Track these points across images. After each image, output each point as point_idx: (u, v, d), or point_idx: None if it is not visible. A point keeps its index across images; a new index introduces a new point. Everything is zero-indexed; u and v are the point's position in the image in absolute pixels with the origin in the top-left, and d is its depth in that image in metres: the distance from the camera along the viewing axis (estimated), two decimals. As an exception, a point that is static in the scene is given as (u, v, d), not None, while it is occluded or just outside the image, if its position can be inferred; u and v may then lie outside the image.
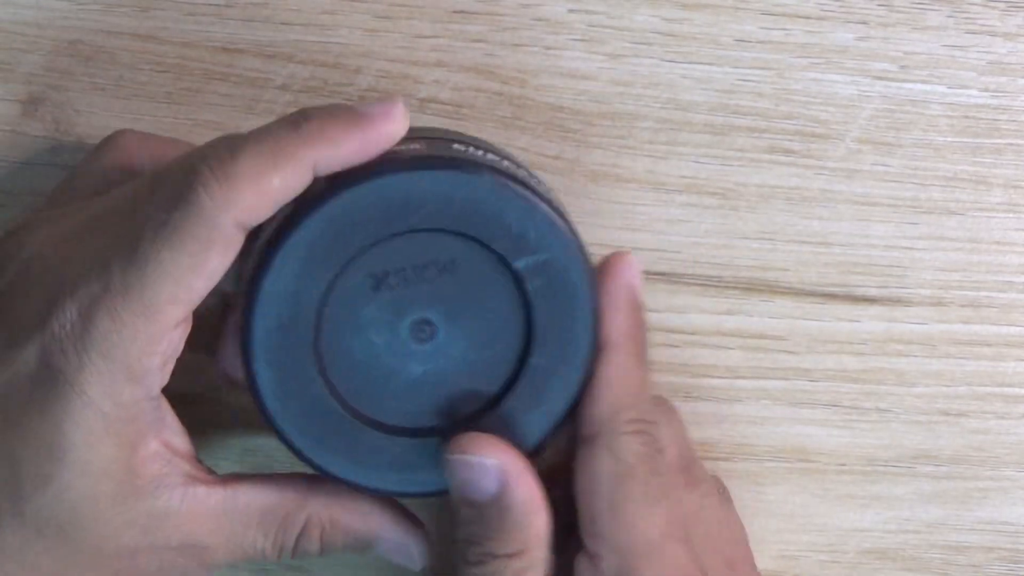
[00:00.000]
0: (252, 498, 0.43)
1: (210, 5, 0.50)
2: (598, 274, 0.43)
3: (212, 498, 0.42)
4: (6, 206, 0.50)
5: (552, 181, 0.51)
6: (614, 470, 0.42)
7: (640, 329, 0.44)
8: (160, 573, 0.42)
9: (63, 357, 0.39)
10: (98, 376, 0.39)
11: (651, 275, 0.52)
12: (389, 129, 0.41)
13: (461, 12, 0.51)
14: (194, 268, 0.39)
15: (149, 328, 0.39)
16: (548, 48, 0.51)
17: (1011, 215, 0.52)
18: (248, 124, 0.50)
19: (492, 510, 0.41)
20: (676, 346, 0.52)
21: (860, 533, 0.53)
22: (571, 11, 0.51)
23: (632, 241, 0.52)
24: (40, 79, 0.50)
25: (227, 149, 0.39)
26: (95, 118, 0.50)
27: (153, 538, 0.41)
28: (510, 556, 0.41)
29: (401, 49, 0.51)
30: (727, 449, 0.53)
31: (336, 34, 0.50)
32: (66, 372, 0.39)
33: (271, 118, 0.50)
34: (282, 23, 0.50)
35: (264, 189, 0.39)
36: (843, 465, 0.53)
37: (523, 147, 0.51)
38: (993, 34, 0.51)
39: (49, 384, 0.39)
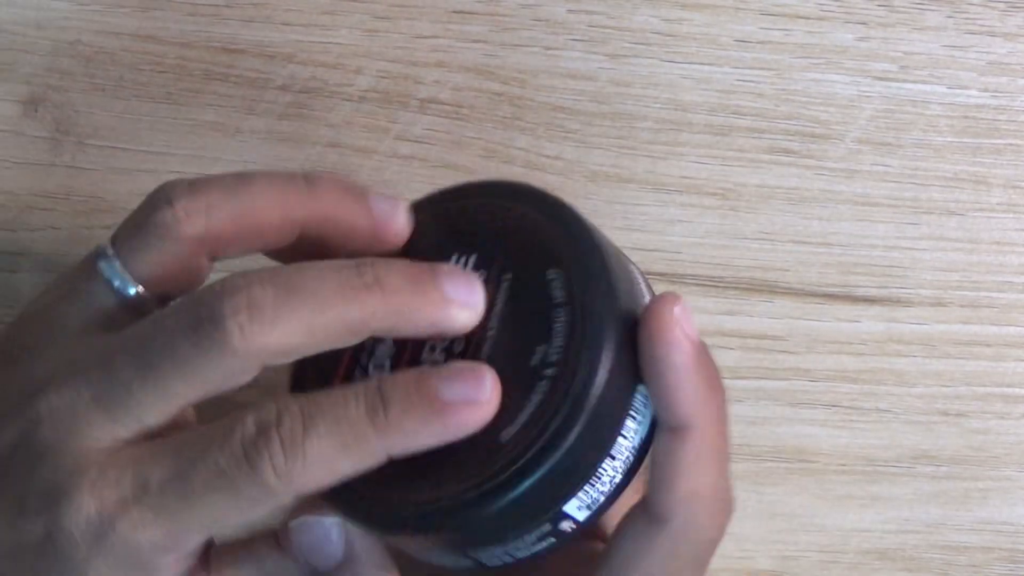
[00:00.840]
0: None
1: (210, 5, 0.50)
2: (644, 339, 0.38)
3: None
4: (6, 206, 0.50)
5: (552, 181, 0.51)
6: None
7: (718, 401, 0.38)
8: None
9: (72, 546, 0.37)
10: (107, 570, 0.37)
11: (651, 275, 0.52)
12: (470, 422, 0.37)
13: (461, 12, 0.51)
14: (235, 516, 0.37)
15: (170, 544, 0.37)
16: (548, 48, 0.51)
17: (1011, 215, 0.52)
18: (248, 124, 0.50)
19: None
20: (676, 346, 0.52)
21: (860, 533, 0.53)
22: (571, 11, 0.51)
23: (632, 241, 0.52)
24: (40, 79, 0.50)
25: (301, 421, 0.37)
26: (95, 118, 0.50)
27: None
28: None
29: (401, 49, 0.51)
30: (727, 449, 0.53)
31: (336, 34, 0.50)
32: (74, 560, 0.37)
33: (271, 118, 0.50)
34: (282, 23, 0.50)
35: (332, 472, 0.37)
36: (843, 465, 0.53)
37: (523, 147, 0.51)
38: (993, 34, 0.51)
39: (52, 559, 0.37)
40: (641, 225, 0.52)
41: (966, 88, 0.52)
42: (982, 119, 0.52)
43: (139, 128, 0.50)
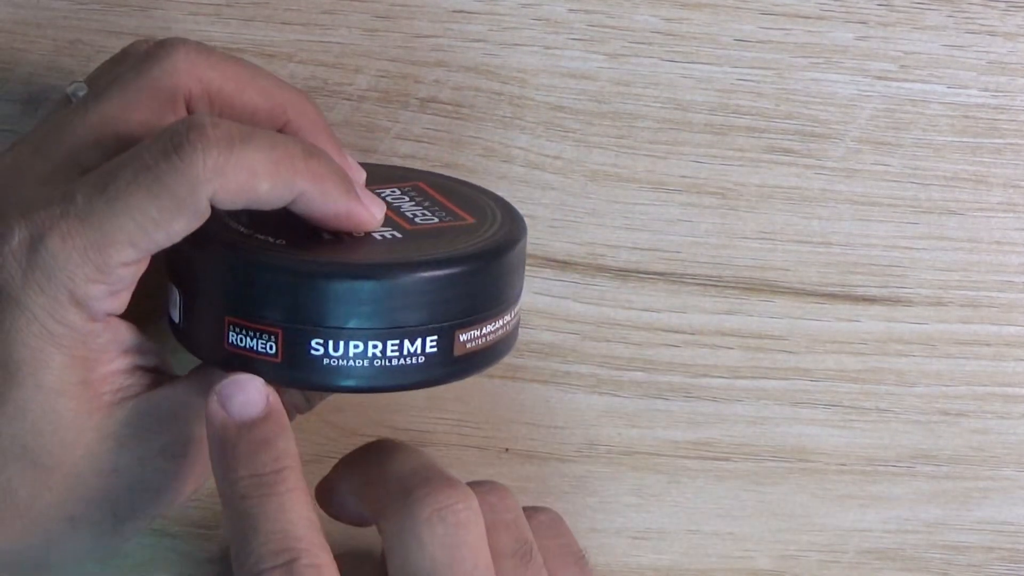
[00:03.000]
0: (215, 376, 0.43)
1: (210, 5, 0.50)
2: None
3: (178, 389, 0.42)
4: (6, 206, 0.50)
5: (552, 180, 0.51)
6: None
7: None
8: (152, 483, 0.42)
9: (8, 274, 0.40)
10: (41, 295, 0.40)
11: (651, 275, 0.52)
12: (365, 222, 0.42)
13: (461, 12, 0.51)
14: (159, 222, 0.39)
15: (97, 259, 0.39)
16: (548, 48, 0.51)
17: (1011, 215, 0.52)
18: (248, 124, 0.50)
19: (256, 430, 0.41)
20: (676, 346, 0.52)
21: (860, 533, 0.53)
22: (571, 11, 0.51)
23: (632, 241, 0.52)
24: (40, 79, 0.50)
25: (241, 132, 0.40)
26: (95, 118, 0.50)
27: (133, 449, 0.42)
28: (280, 471, 0.41)
29: (401, 49, 0.51)
30: (727, 449, 0.53)
31: (336, 34, 0.51)
32: (10, 289, 0.40)
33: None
34: (282, 23, 0.50)
35: (252, 187, 0.39)
36: (843, 465, 0.53)
37: (523, 146, 0.51)
38: (993, 34, 0.51)
39: None
40: (641, 225, 0.52)
41: (966, 88, 0.52)
42: (982, 119, 0.52)
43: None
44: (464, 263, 0.42)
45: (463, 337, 0.42)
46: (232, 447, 0.40)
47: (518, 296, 0.44)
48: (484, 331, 0.42)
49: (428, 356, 0.41)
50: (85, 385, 0.41)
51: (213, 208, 0.40)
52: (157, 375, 0.43)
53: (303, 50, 0.50)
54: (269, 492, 0.40)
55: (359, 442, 0.51)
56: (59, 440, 0.41)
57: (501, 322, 0.43)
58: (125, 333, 0.42)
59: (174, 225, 0.39)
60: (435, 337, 0.41)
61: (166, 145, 0.39)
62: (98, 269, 0.40)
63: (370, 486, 0.43)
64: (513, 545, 0.42)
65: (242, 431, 0.40)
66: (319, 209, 0.41)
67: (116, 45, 0.50)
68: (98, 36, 0.50)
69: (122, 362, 0.42)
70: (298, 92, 0.45)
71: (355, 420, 0.52)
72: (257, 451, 0.40)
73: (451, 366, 0.42)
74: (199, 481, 0.44)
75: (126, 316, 0.42)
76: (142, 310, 0.43)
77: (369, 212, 0.42)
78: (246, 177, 0.39)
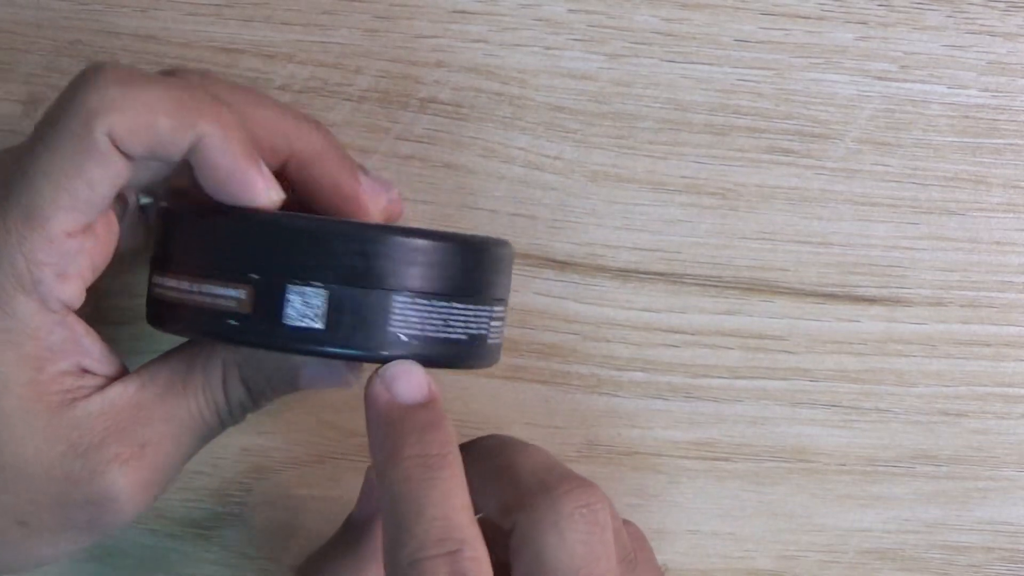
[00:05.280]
0: (167, 372, 0.42)
1: (210, 5, 0.50)
2: None
3: (129, 390, 0.42)
4: (6, 206, 0.50)
5: (552, 181, 0.51)
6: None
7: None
8: (105, 487, 0.41)
9: None
10: None
11: (651, 275, 0.52)
12: (257, 191, 0.41)
13: (461, 12, 0.51)
14: (71, 171, 0.39)
15: (33, 234, 0.39)
16: (548, 48, 0.51)
17: (1011, 215, 0.52)
18: (248, 124, 0.50)
19: (421, 412, 0.40)
20: (676, 346, 0.52)
21: (860, 533, 0.53)
22: (571, 11, 0.51)
23: (632, 241, 0.52)
24: (40, 79, 0.50)
25: (145, 73, 0.39)
26: (95, 118, 0.50)
27: (83, 453, 0.41)
28: (446, 455, 0.40)
29: (401, 49, 0.51)
30: (727, 449, 0.53)
31: (336, 34, 0.50)
32: None
33: (271, 118, 0.50)
34: (282, 23, 0.50)
35: (150, 123, 0.39)
36: (843, 465, 0.53)
37: (523, 147, 0.51)
38: (993, 34, 0.51)
39: None
40: (641, 225, 0.52)
41: (966, 88, 0.52)
42: (982, 119, 0.52)
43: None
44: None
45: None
46: (398, 428, 0.40)
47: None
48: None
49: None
50: (33, 385, 0.40)
51: (133, 159, 0.39)
52: (108, 379, 0.42)
53: (303, 50, 0.50)
54: (434, 476, 0.39)
55: (360, 442, 0.51)
56: (7, 438, 0.40)
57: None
58: (81, 334, 0.41)
59: (87, 171, 0.39)
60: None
61: (66, 91, 0.39)
62: (38, 245, 0.39)
63: (498, 480, 0.42)
64: (622, 552, 0.42)
65: (408, 413, 0.40)
66: (219, 162, 0.40)
67: (116, 45, 0.50)
68: (98, 36, 0.50)
69: (73, 363, 0.41)
70: (302, 119, 0.45)
71: (356, 420, 0.52)
72: (424, 432, 0.40)
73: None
74: (158, 486, 0.43)
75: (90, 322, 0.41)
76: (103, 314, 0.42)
77: (264, 183, 0.40)
78: (142, 112, 0.39)
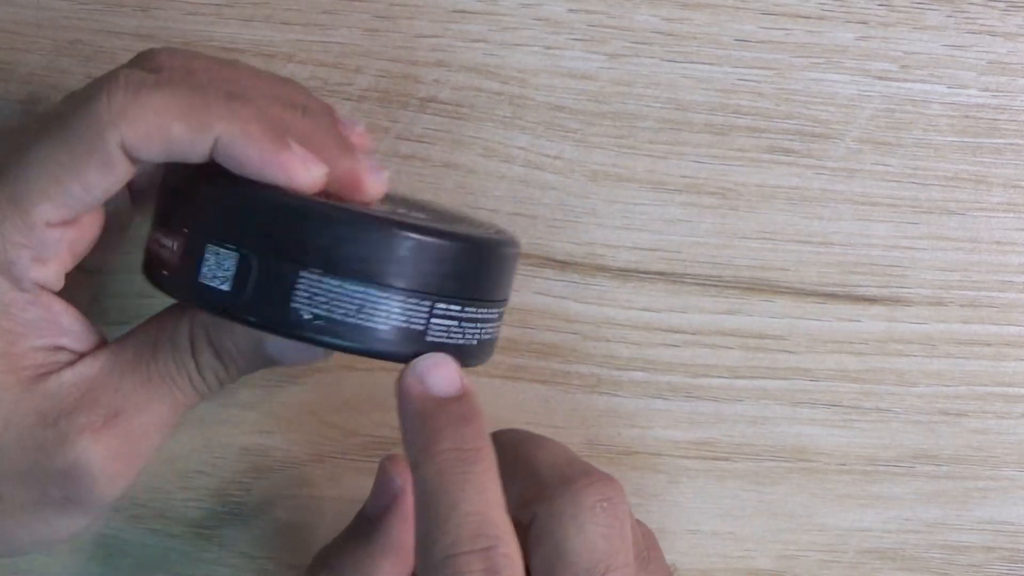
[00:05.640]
0: (138, 340, 0.42)
1: (210, 5, 0.50)
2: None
3: (100, 360, 0.42)
4: (6, 206, 0.50)
5: (552, 181, 0.51)
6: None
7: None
8: (82, 463, 0.41)
9: None
10: None
11: (651, 275, 0.52)
12: (297, 174, 0.40)
13: (461, 12, 0.51)
14: (71, 171, 0.39)
15: (15, 218, 0.39)
16: (548, 48, 0.51)
17: (1011, 215, 0.52)
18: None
19: (455, 405, 0.40)
20: (676, 346, 0.52)
21: (860, 533, 0.53)
22: (571, 11, 0.51)
23: (632, 241, 0.52)
24: (40, 79, 0.50)
25: (155, 78, 0.39)
26: (95, 118, 0.50)
27: (55, 425, 0.41)
28: (480, 449, 0.40)
29: (401, 49, 0.51)
30: (727, 449, 0.53)
31: (336, 34, 0.50)
32: None
33: (271, 118, 0.50)
34: (282, 23, 0.50)
35: (163, 130, 0.39)
36: (843, 465, 0.53)
37: (523, 146, 0.51)
38: (993, 34, 0.51)
39: None
40: (641, 225, 0.52)
41: (966, 88, 0.52)
42: (982, 119, 0.52)
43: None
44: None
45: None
46: (433, 421, 0.39)
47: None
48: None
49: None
50: (4, 357, 0.40)
51: (139, 160, 0.39)
52: (74, 355, 0.42)
53: (303, 50, 0.50)
54: (469, 470, 0.39)
55: (360, 442, 0.51)
56: None
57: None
58: (59, 313, 0.41)
59: (87, 175, 0.39)
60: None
61: (78, 94, 0.39)
62: (16, 228, 0.39)
63: (516, 474, 0.41)
64: (637, 548, 0.42)
65: (442, 406, 0.40)
66: (244, 156, 0.39)
67: (116, 45, 0.50)
68: (98, 36, 0.50)
69: (49, 341, 0.41)
70: (280, 83, 0.44)
71: (356, 420, 0.52)
72: (459, 426, 0.39)
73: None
74: (134, 459, 0.42)
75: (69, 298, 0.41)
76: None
77: (303, 164, 0.40)
78: (155, 119, 0.38)
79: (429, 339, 0.41)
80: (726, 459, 0.53)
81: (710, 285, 0.52)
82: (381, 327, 0.40)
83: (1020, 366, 0.53)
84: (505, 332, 0.51)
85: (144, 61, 0.42)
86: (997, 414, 0.53)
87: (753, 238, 0.52)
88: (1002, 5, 0.51)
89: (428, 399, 0.40)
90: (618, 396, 0.52)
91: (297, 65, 0.50)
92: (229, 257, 0.39)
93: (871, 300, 0.52)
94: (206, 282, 0.39)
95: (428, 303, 0.40)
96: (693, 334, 0.52)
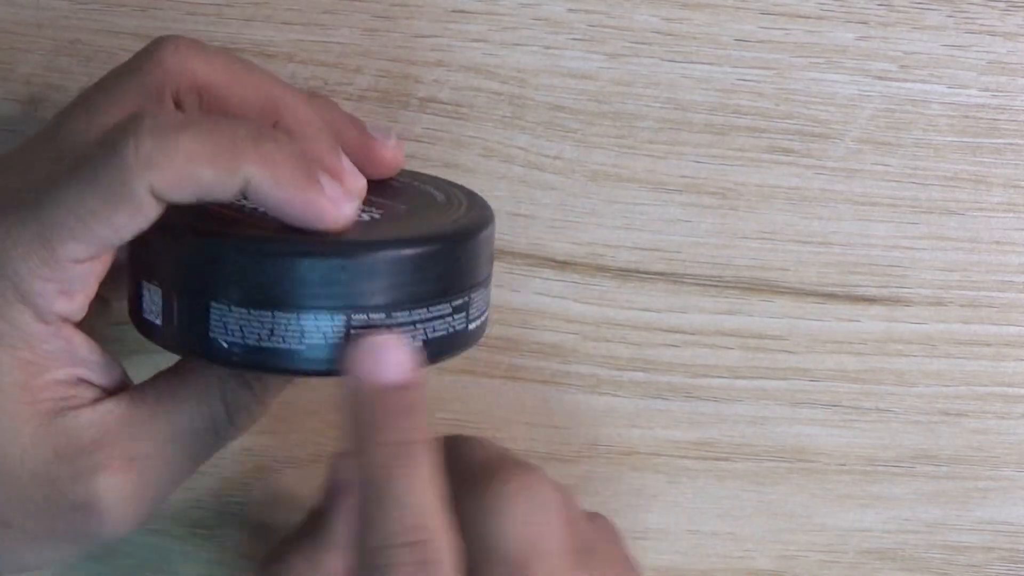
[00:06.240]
0: (159, 388, 0.42)
1: (210, 5, 0.50)
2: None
3: (121, 405, 0.41)
4: (6, 206, 0.50)
5: (552, 181, 0.51)
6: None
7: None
8: (93, 500, 0.41)
9: None
10: None
11: (651, 275, 0.52)
12: (327, 214, 0.40)
13: (461, 12, 0.51)
14: (99, 215, 0.38)
15: (41, 252, 0.39)
16: (548, 48, 0.51)
17: (1011, 215, 0.52)
18: (248, 124, 0.50)
19: (398, 395, 0.39)
20: (676, 346, 0.52)
21: (860, 533, 0.53)
22: (571, 11, 0.51)
23: (632, 241, 0.52)
24: (40, 79, 0.50)
25: (180, 120, 0.39)
26: (95, 118, 0.50)
27: (70, 462, 0.40)
28: (422, 442, 0.39)
29: (401, 49, 0.51)
30: (727, 449, 0.53)
31: (336, 34, 0.51)
32: None
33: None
34: (282, 23, 0.50)
35: (192, 175, 0.38)
36: (843, 465, 0.53)
37: (523, 147, 0.51)
38: (993, 34, 0.51)
39: None
40: (641, 225, 0.52)
41: (966, 88, 0.52)
42: (982, 119, 0.52)
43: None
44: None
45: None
46: (374, 410, 0.39)
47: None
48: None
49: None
50: (25, 389, 0.40)
51: (169, 202, 0.39)
52: (106, 391, 0.42)
53: (303, 50, 0.50)
54: (409, 463, 0.38)
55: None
56: None
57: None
58: (79, 345, 0.41)
59: (115, 219, 0.38)
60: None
61: (106, 138, 0.39)
62: (44, 263, 0.39)
63: (450, 471, 0.41)
64: (577, 541, 0.41)
65: (386, 394, 0.39)
66: (274, 197, 0.39)
67: (116, 45, 0.50)
68: (98, 36, 0.50)
69: (69, 373, 0.41)
70: (294, 91, 0.44)
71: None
72: (402, 416, 0.39)
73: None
74: (146, 502, 0.42)
75: (87, 329, 0.41)
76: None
77: (332, 204, 0.39)
78: (184, 165, 0.38)
79: (323, 350, 0.40)
80: (726, 459, 0.53)
81: (710, 285, 0.52)
82: (297, 347, 0.40)
83: (1020, 366, 0.53)
84: (505, 332, 0.51)
85: (150, 54, 0.42)
86: (997, 414, 0.53)
87: (753, 238, 0.52)
88: (1002, 5, 0.51)
89: (372, 387, 0.39)
90: (618, 396, 0.52)
91: (297, 65, 0.50)
92: (156, 293, 0.41)
93: (871, 300, 0.52)
94: (147, 316, 0.41)
95: (342, 317, 0.40)
96: (693, 334, 0.52)
